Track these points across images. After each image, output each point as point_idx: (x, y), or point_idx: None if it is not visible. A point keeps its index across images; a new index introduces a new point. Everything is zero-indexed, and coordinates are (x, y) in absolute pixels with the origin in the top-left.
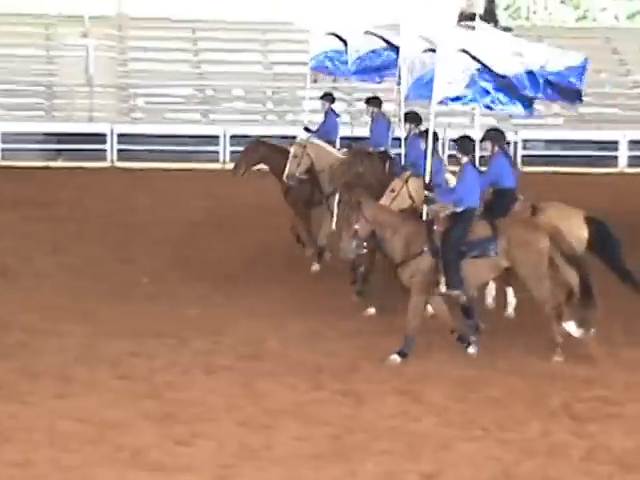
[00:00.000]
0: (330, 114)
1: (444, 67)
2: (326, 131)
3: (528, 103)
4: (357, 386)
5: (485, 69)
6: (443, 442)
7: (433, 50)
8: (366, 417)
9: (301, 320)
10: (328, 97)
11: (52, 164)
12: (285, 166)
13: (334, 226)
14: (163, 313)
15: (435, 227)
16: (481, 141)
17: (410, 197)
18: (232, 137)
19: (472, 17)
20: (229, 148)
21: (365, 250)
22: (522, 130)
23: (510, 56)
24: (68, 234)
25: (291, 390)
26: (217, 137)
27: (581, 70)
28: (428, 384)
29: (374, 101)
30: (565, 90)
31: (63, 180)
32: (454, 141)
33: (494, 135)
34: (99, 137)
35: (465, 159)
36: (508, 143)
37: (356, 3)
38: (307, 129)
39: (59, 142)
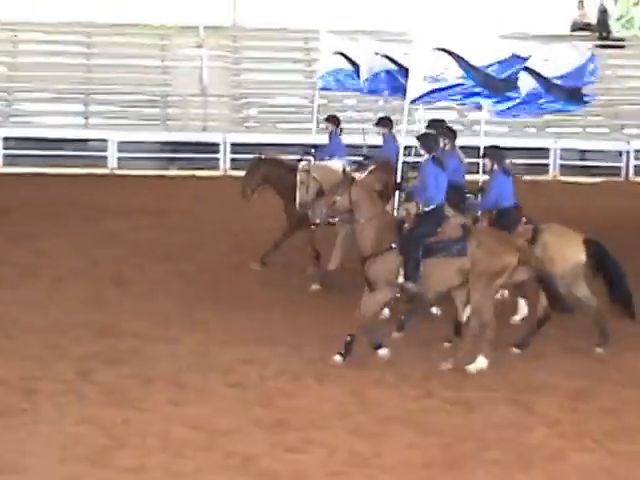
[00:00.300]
0: (335, 136)
1: (419, 65)
2: (331, 154)
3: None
4: (467, 394)
5: (467, 65)
6: (554, 453)
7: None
8: (477, 426)
9: (410, 328)
10: (333, 119)
11: (166, 173)
12: (288, 182)
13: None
14: (275, 320)
15: (405, 224)
16: (482, 158)
17: None
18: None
19: (585, 27)
20: None
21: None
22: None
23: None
24: (181, 242)
25: (401, 398)
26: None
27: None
28: (539, 394)
29: (384, 122)
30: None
31: (176, 188)
32: (417, 138)
33: (492, 152)
34: (212, 146)
35: (426, 156)
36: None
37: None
38: (315, 146)
39: (173, 151)
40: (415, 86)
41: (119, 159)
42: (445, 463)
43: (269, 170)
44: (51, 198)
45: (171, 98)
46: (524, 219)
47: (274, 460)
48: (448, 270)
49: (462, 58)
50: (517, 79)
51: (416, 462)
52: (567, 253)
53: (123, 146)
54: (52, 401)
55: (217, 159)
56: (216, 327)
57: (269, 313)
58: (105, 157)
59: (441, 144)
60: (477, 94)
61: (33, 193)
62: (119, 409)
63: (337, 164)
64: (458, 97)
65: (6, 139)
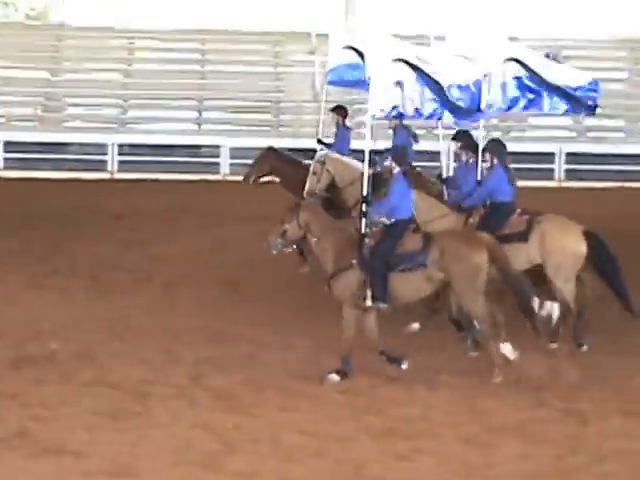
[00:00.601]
0: (341, 127)
1: (378, 78)
2: (338, 145)
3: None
4: (581, 405)
5: (426, 78)
6: None
7: None
8: (590, 438)
9: (522, 337)
10: (340, 110)
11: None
12: (295, 179)
13: None
14: (387, 328)
15: (367, 240)
16: (482, 152)
17: None
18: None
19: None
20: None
21: (290, 250)
22: None
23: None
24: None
25: (513, 408)
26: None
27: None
28: None
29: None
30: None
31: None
32: (387, 150)
33: (494, 147)
34: None
35: (397, 170)
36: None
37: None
38: (320, 141)
39: None
40: (374, 100)
41: (231, 165)
42: (557, 474)
43: (278, 162)
44: (164, 204)
45: (284, 104)
46: (519, 210)
47: (384, 468)
48: (411, 283)
49: (422, 71)
50: (479, 105)
51: (527, 473)
52: (566, 244)
53: (236, 152)
54: (165, 405)
55: None
56: (329, 334)
57: (381, 320)
58: (217, 163)
59: (464, 157)
60: (434, 113)
61: (146, 199)
62: (231, 415)
63: (357, 163)
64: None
65: (121, 146)
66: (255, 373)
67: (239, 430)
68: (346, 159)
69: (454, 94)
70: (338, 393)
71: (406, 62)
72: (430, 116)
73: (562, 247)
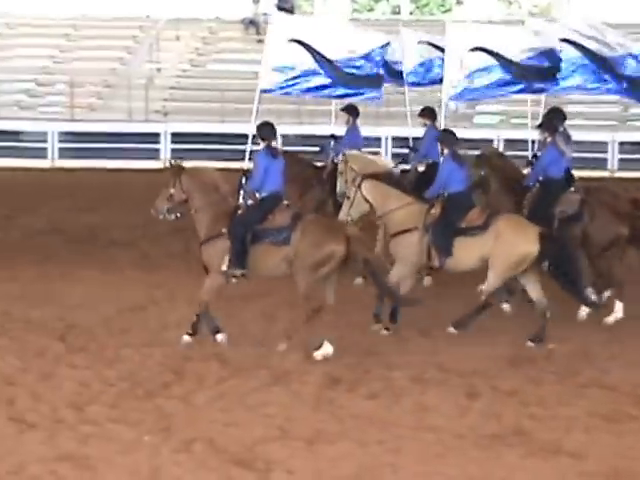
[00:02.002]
0: (354, 126)
1: (274, 54)
2: (349, 145)
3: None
4: None
5: (322, 58)
6: None
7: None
8: None
9: None
10: (352, 109)
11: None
12: (301, 179)
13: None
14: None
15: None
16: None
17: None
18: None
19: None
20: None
21: (177, 216)
22: None
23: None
24: None
25: None
26: None
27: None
28: None
29: (427, 113)
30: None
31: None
32: (257, 127)
33: (444, 137)
34: None
35: (262, 145)
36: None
37: None
38: (334, 136)
39: None
40: (264, 77)
41: None
42: None
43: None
44: None
45: None
46: (480, 206)
47: None
48: (274, 257)
49: (316, 51)
50: (382, 76)
51: None
52: (518, 242)
53: None
54: None
55: None
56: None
57: None
58: None
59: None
60: (328, 87)
61: None
62: None
63: (382, 159)
64: (305, 88)
65: (621, 143)
66: None
67: None
68: (366, 155)
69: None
70: None
71: (301, 43)
72: None
73: (512, 245)
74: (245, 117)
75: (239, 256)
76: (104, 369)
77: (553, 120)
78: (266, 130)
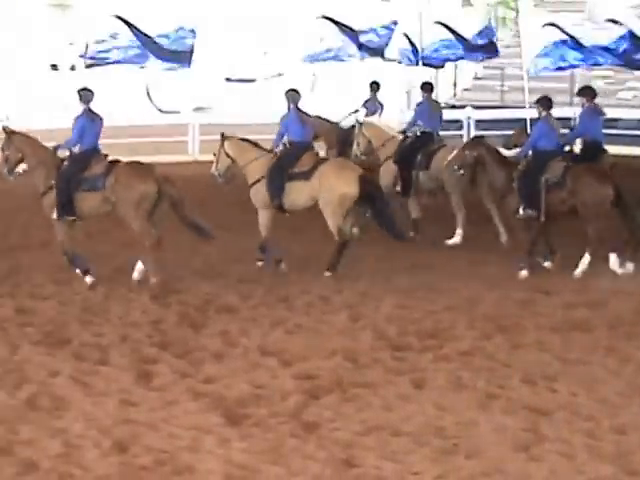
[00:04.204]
0: (372, 100)
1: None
2: (369, 112)
3: None
4: None
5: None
6: None
7: None
8: None
9: None
10: (374, 85)
11: None
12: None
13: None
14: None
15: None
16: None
17: (228, 156)
18: None
19: None
20: None
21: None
22: None
23: None
24: None
25: None
26: None
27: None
28: None
29: (425, 86)
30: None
31: None
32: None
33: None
34: None
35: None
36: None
37: None
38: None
39: None
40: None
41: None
42: None
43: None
44: None
45: None
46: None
47: None
48: (94, 201)
49: (133, 25)
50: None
51: None
52: (337, 183)
53: None
54: None
55: None
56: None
57: None
58: None
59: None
60: (143, 57)
61: None
62: None
63: (388, 127)
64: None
65: None
66: None
67: None
68: (379, 124)
69: None
70: None
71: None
72: None
73: (332, 186)
74: None
75: (65, 204)
76: None
77: (548, 98)
78: (87, 95)
